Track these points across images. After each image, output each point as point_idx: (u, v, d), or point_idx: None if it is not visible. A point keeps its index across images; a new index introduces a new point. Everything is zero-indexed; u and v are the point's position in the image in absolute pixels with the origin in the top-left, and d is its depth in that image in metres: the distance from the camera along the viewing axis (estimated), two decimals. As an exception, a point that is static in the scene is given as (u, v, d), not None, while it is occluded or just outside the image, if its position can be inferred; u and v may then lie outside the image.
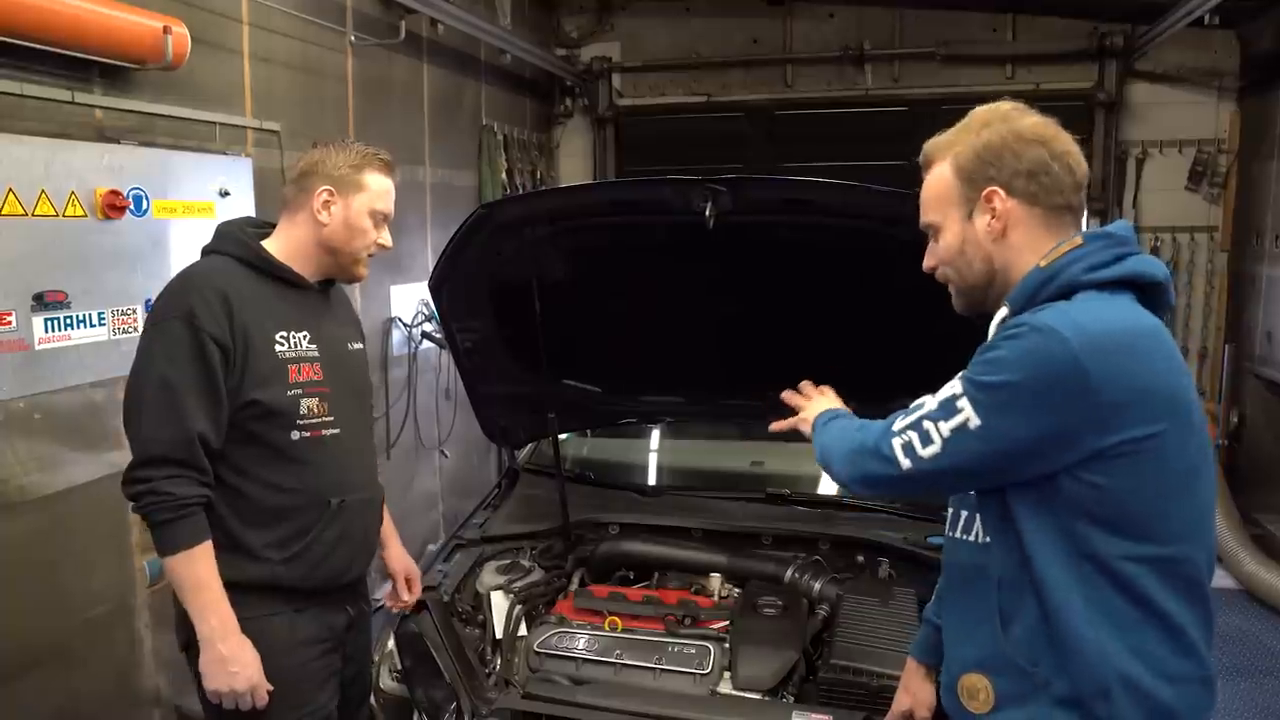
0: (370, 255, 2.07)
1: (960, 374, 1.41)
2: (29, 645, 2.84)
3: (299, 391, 1.95)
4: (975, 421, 1.35)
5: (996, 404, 1.34)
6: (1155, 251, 6.25)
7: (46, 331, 2.82)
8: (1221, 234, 6.26)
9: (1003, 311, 1.45)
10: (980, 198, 1.47)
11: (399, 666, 2.41)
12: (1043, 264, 1.42)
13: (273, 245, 2.02)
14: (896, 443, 1.44)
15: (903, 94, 6.68)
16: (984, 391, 1.36)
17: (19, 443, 2.80)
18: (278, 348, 1.94)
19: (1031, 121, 1.47)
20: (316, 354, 2.00)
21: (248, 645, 1.87)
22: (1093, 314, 1.35)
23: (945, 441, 1.38)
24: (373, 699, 2.37)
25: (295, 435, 1.94)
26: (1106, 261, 1.40)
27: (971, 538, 1.51)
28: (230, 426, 1.89)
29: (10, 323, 2.71)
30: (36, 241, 2.78)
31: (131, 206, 3.05)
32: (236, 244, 1.99)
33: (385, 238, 2.07)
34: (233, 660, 1.84)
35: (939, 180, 1.53)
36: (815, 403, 1.82)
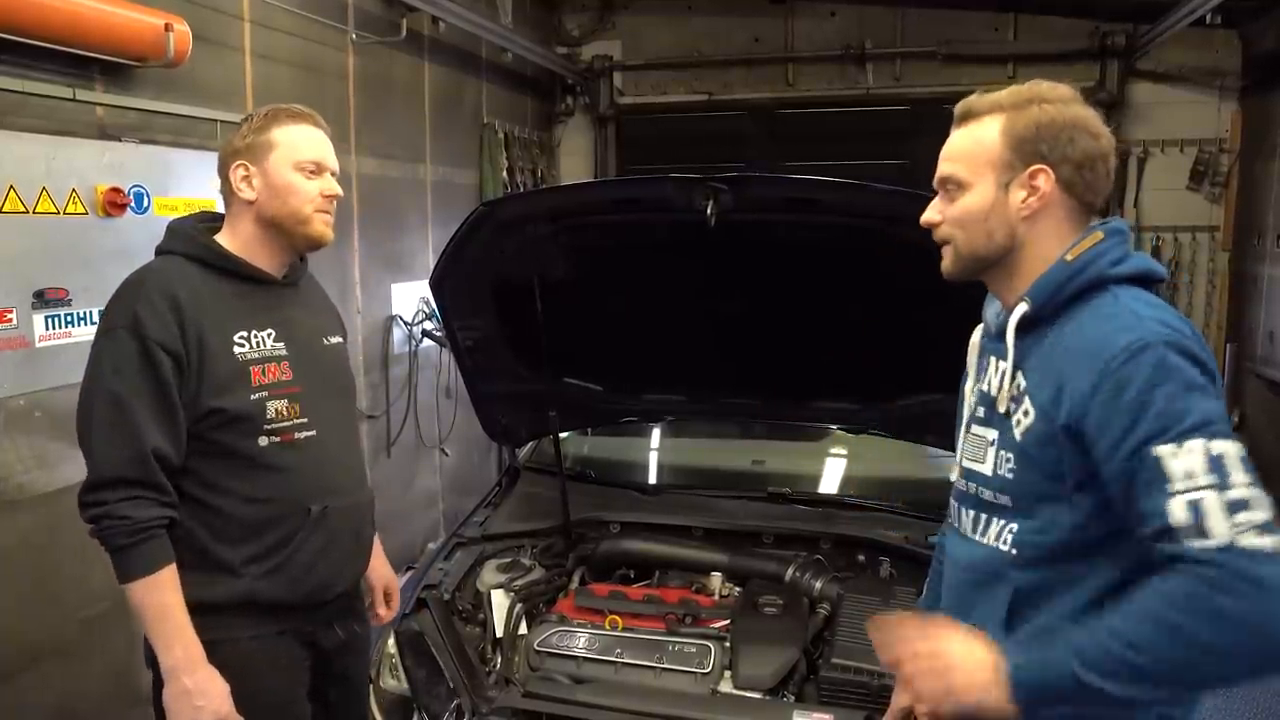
0: (323, 211, 1.89)
1: (1174, 438, 1.25)
2: (28, 643, 2.84)
3: (264, 394, 1.81)
4: (1233, 448, 1.25)
5: (1220, 415, 1.28)
6: (1157, 251, 6.25)
7: (47, 329, 2.82)
8: (1223, 234, 6.26)
9: (1023, 307, 1.42)
10: (1025, 172, 1.41)
11: (399, 665, 2.41)
12: (1069, 258, 1.40)
13: (226, 242, 1.89)
14: (1259, 542, 1.18)
15: (904, 93, 6.67)
16: (1208, 425, 1.25)
17: (19, 440, 2.79)
18: (237, 349, 1.81)
19: (1089, 114, 1.43)
20: (284, 352, 1.87)
21: (216, 676, 1.74)
22: (1166, 312, 1.36)
23: (1250, 483, 1.23)
24: (372, 698, 2.36)
25: (264, 441, 1.81)
26: (1123, 257, 1.41)
27: (985, 540, 1.50)
28: (192, 439, 1.76)
29: (11, 320, 2.71)
30: (37, 239, 2.77)
31: (132, 204, 3.05)
32: (187, 241, 1.86)
33: (330, 186, 1.89)
34: (199, 694, 1.71)
35: (982, 137, 1.44)
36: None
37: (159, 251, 1.90)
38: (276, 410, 1.83)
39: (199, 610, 1.75)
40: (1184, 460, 1.24)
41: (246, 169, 1.85)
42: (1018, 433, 1.43)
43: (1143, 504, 1.27)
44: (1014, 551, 1.44)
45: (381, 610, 2.22)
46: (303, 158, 1.87)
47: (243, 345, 1.82)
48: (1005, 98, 1.45)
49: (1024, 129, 1.41)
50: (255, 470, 1.81)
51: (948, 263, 1.52)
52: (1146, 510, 1.26)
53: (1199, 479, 1.23)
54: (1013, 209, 1.43)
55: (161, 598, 1.72)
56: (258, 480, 1.82)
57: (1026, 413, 1.42)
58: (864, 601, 2.44)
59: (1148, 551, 1.30)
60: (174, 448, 1.74)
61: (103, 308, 2.90)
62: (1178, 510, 1.23)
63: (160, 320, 1.73)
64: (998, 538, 1.47)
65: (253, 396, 1.81)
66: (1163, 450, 1.25)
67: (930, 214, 1.52)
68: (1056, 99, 1.43)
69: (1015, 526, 1.44)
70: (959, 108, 1.49)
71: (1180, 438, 1.25)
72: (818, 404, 3.01)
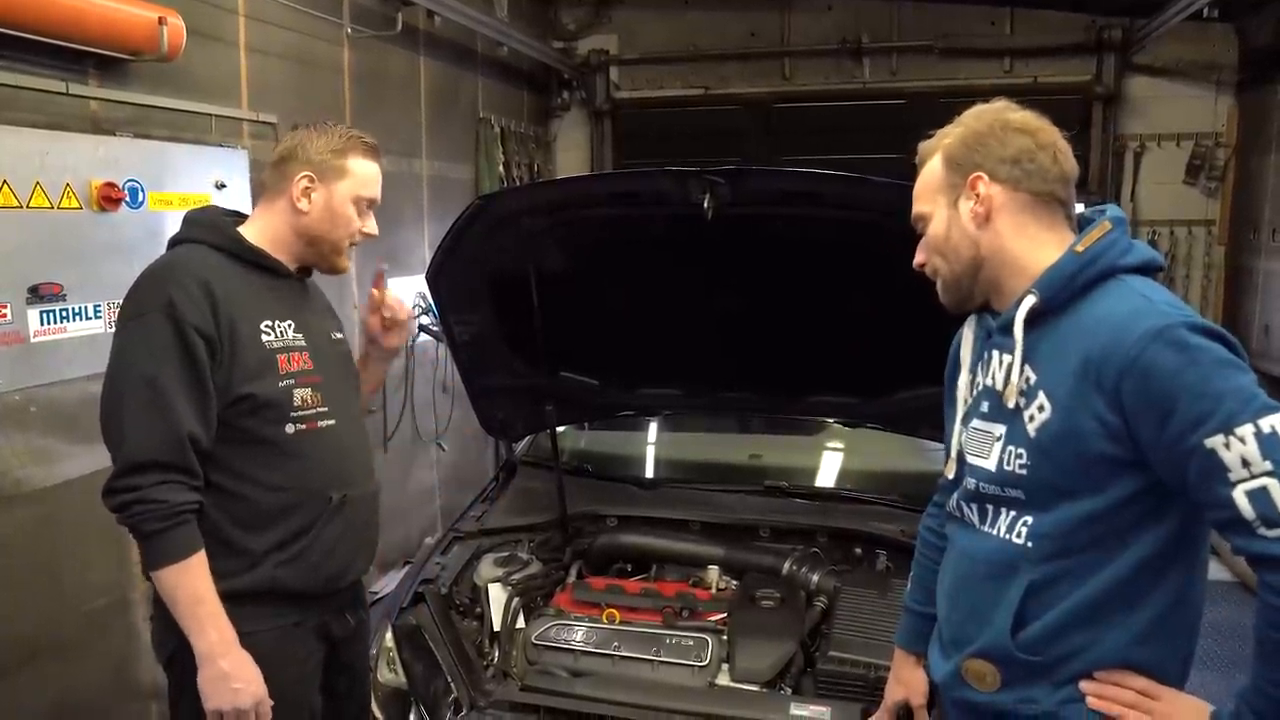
0: (354, 244, 1.98)
1: (1221, 427, 1.26)
2: (27, 639, 2.83)
3: (291, 382, 1.85)
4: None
5: (1256, 387, 1.29)
6: (1153, 245, 6.26)
7: (42, 324, 2.81)
8: (1219, 228, 6.27)
9: (1031, 300, 1.43)
10: (965, 184, 1.49)
11: (397, 659, 2.40)
12: (1079, 249, 1.42)
13: (249, 232, 1.91)
14: None
15: (901, 87, 6.67)
16: (1250, 403, 1.26)
17: (15, 436, 2.79)
18: (265, 337, 1.83)
19: (1020, 115, 1.51)
20: (303, 343, 1.90)
21: (249, 659, 1.76)
22: (1176, 298, 1.40)
23: None
24: (371, 692, 2.36)
25: (290, 429, 1.84)
26: (1130, 246, 1.44)
27: (995, 532, 1.50)
28: (221, 424, 1.77)
29: (5, 315, 2.70)
30: (32, 234, 2.76)
31: (127, 199, 3.04)
32: (212, 231, 1.88)
33: (370, 226, 1.97)
34: (235, 676, 1.73)
35: (929, 172, 1.56)
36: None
37: (178, 241, 1.90)
38: (302, 399, 1.86)
39: (220, 599, 1.76)
40: (1237, 449, 1.25)
41: (311, 182, 1.89)
42: (1031, 428, 1.43)
43: (1203, 494, 1.29)
44: (1029, 545, 1.44)
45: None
46: (365, 195, 1.94)
47: (269, 334, 1.85)
48: (943, 132, 1.56)
49: (955, 148, 1.52)
50: (280, 458, 1.84)
51: (941, 294, 1.59)
52: (1209, 500, 1.29)
53: (1257, 466, 1.24)
54: (965, 220, 1.50)
55: (194, 583, 1.73)
56: (282, 468, 1.84)
57: (1042, 408, 1.41)
58: (861, 594, 2.44)
59: (1172, 538, 1.37)
60: (206, 432, 1.76)
61: (98, 302, 2.95)
62: (1243, 502, 1.25)
63: (195, 304, 1.74)
64: (1009, 530, 1.47)
65: (280, 384, 1.84)
66: (1214, 442, 1.26)
67: (918, 255, 1.61)
68: (987, 113, 1.52)
69: (1030, 519, 1.45)
70: (917, 157, 1.60)
71: (1228, 425, 1.25)
72: (815, 398, 3.01)
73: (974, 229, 1.49)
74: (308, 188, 1.89)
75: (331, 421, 1.92)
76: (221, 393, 1.77)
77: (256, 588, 1.82)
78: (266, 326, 1.85)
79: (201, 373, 1.74)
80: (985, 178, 1.47)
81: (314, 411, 1.89)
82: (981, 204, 1.48)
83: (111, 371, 1.78)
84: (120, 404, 1.74)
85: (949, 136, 1.54)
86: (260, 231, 1.92)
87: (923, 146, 1.59)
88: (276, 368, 1.84)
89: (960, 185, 1.50)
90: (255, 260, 1.89)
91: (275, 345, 1.85)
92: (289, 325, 1.89)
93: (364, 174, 1.94)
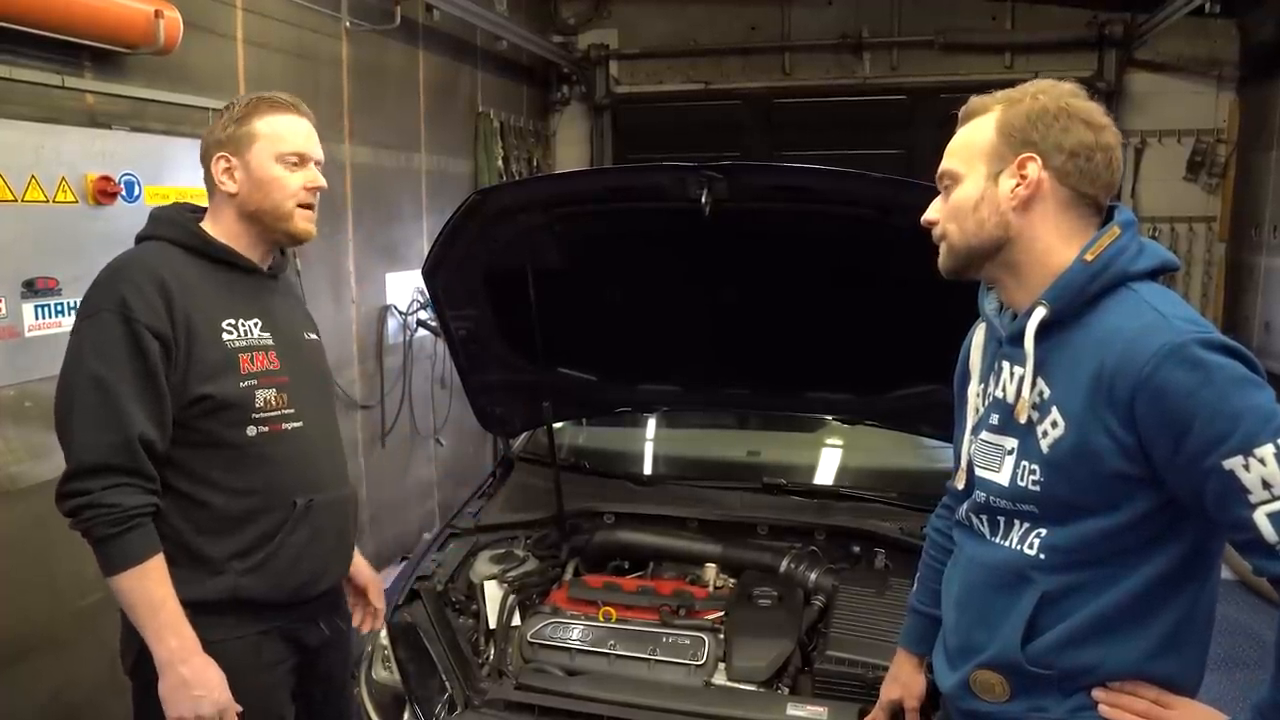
0: (306, 205, 1.86)
1: (1240, 448, 1.23)
2: (21, 633, 2.83)
3: (253, 382, 1.78)
4: None
5: (1274, 405, 1.25)
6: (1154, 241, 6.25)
7: (37, 318, 2.80)
8: (1220, 224, 6.26)
9: (1041, 313, 1.38)
10: (1015, 161, 1.40)
11: (392, 657, 2.39)
12: (1089, 258, 1.36)
13: (211, 232, 1.85)
14: None
15: (901, 82, 6.65)
16: (1270, 422, 1.23)
17: (10, 431, 2.78)
18: (226, 336, 1.77)
19: (1086, 105, 1.42)
20: (271, 342, 1.83)
21: (212, 665, 1.70)
22: (1189, 309, 1.35)
23: None
24: (365, 690, 2.35)
25: (252, 431, 1.77)
26: (1140, 251, 1.39)
27: (1006, 543, 1.47)
28: (178, 427, 1.71)
29: (0, 310, 2.69)
30: (27, 228, 2.75)
31: (123, 192, 3.02)
32: (173, 226, 1.82)
33: (313, 178, 1.85)
34: (197, 684, 1.67)
35: (976, 132, 1.45)
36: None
37: (142, 238, 1.86)
38: (265, 400, 1.80)
39: (183, 609, 1.71)
40: (1257, 470, 1.22)
41: (228, 160, 1.82)
42: (1044, 445, 1.39)
43: (1222, 514, 1.26)
44: (1042, 556, 1.41)
45: (378, 603, 2.18)
46: (285, 149, 1.83)
47: (230, 332, 1.79)
48: (1003, 94, 1.45)
49: (1015, 119, 1.41)
50: (242, 461, 1.77)
51: (943, 258, 1.50)
52: (1227, 521, 1.26)
53: (1278, 487, 1.21)
54: (1003, 198, 1.41)
55: (151, 588, 1.67)
56: (244, 472, 1.78)
57: (1055, 424, 1.38)
58: (859, 593, 2.42)
59: (1189, 552, 1.34)
60: (160, 434, 1.69)
61: (92, 297, 2.92)
62: (1265, 524, 1.22)
63: (147, 303, 1.68)
64: (1022, 541, 1.44)
65: (242, 384, 1.77)
66: (1233, 463, 1.23)
67: (930, 213, 1.51)
68: (1054, 92, 1.42)
69: (1043, 532, 1.42)
70: (964, 108, 1.49)
71: (1247, 446, 1.22)
72: (813, 394, 2.99)
73: (1010, 210, 1.40)
74: (227, 167, 1.81)
75: (298, 424, 1.85)
76: (177, 393, 1.71)
77: (219, 596, 1.76)
78: (228, 325, 1.79)
79: (154, 373, 1.68)
80: (1038, 161, 1.38)
81: (278, 413, 1.82)
82: (1027, 188, 1.39)
83: (64, 372, 1.72)
84: (71, 406, 1.68)
85: (1007, 103, 1.43)
86: (217, 229, 1.86)
87: (975, 101, 1.47)
88: (237, 367, 1.77)
89: (1008, 159, 1.40)
90: (221, 256, 1.83)
91: (238, 344, 1.79)
92: (255, 324, 1.83)
93: (275, 129, 1.82)
